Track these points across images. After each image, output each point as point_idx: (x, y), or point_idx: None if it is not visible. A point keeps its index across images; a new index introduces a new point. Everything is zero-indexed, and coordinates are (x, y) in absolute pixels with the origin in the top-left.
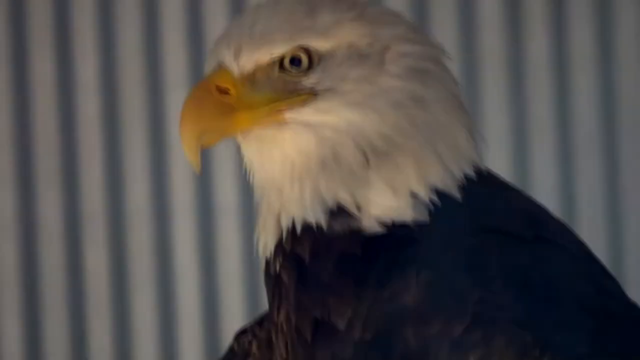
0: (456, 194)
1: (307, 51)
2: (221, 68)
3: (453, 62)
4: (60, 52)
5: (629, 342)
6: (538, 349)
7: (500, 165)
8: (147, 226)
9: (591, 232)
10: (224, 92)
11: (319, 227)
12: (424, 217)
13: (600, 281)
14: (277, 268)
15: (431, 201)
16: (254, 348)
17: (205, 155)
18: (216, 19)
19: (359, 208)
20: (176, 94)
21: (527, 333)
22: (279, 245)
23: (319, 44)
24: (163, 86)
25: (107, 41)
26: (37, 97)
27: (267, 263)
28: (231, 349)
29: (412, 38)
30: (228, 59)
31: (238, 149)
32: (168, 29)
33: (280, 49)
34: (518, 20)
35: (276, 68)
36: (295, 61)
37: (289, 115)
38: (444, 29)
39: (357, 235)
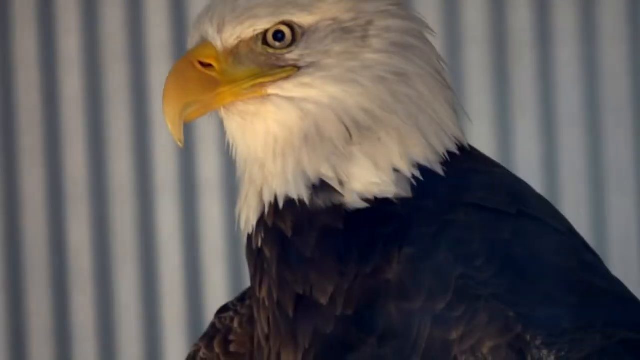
0: (439, 169)
1: (290, 26)
2: (204, 42)
3: (436, 37)
4: (44, 28)
5: (612, 317)
6: (520, 325)
7: (483, 141)
8: (130, 201)
9: (574, 207)
10: (207, 66)
11: (301, 202)
12: (406, 192)
13: (582, 257)
14: (259, 243)
15: (414, 176)
16: (236, 324)
17: (187, 130)
18: None
19: (341, 183)
20: (159, 69)
21: (510, 308)
22: (261, 220)
23: (302, 19)
24: (146, 61)
25: (90, 17)
26: (20, 73)
27: (249, 238)
28: (212, 326)
29: (396, 13)
30: (211, 33)
31: (221, 124)
32: (151, 4)
33: (263, 24)
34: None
35: (259, 42)
36: (278, 35)
37: (271, 89)
38: (427, 5)
39: (340, 210)
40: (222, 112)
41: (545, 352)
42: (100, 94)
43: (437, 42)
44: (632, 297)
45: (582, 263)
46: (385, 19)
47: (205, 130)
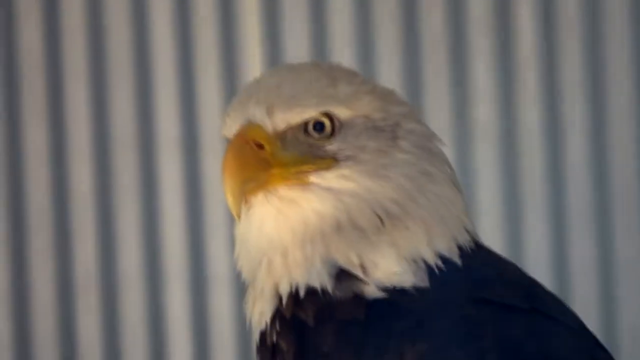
0: (458, 261)
1: (331, 117)
2: (253, 125)
3: (446, 145)
4: (53, 120)
5: None
6: None
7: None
8: (140, 293)
9: (584, 303)
10: (259, 147)
11: (324, 291)
12: (424, 282)
13: (595, 355)
14: (275, 337)
15: (435, 266)
16: None
17: (198, 224)
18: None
19: (364, 271)
20: (168, 162)
21: None
22: (277, 313)
23: (341, 112)
24: (155, 153)
25: (99, 107)
26: (30, 169)
27: (263, 334)
28: None
29: (416, 117)
30: (260, 116)
31: (230, 217)
32: (161, 95)
33: (310, 112)
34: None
35: (302, 131)
36: (317, 126)
37: (313, 178)
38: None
39: (361, 300)
40: (259, 197)
41: None
42: (109, 188)
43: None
44: None
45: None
46: (409, 123)
47: (215, 222)
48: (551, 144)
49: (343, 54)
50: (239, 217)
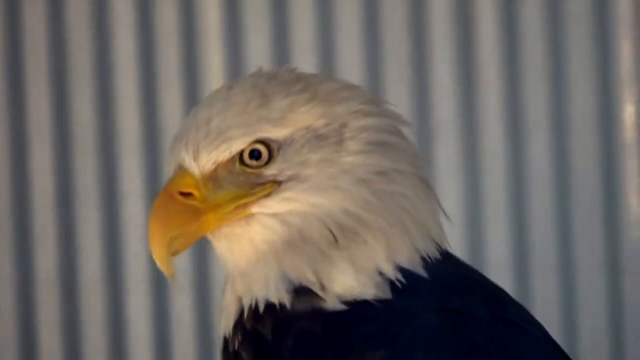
0: (420, 271)
1: (265, 142)
2: (182, 171)
3: (412, 130)
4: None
5: None
6: None
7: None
8: (102, 297)
9: (544, 307)
10: (187, 195)
11: (281, 306)
12: (385, 294)
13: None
14: (236, 346)
15: (395, 279)
16: None
17: None
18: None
19: (322, 287)
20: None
21: None
22: (239, 324)
23: (275, 133)
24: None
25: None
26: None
27: (226, 341)
28: None
29: (369, 111)
30: (187, 160)
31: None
32: (124, 118)
33: (238, 145)
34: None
35: (236, 163)
36: (254, 154)
37: (254, 208)
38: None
39: (319, 313)
40: (210, 236)
41: None
42: (71, 191)
43: (413, 134)
44: None
45: None
46: (359, 119)
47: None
48: (513, 143)
49: (306, 55)
50: (172, 277)
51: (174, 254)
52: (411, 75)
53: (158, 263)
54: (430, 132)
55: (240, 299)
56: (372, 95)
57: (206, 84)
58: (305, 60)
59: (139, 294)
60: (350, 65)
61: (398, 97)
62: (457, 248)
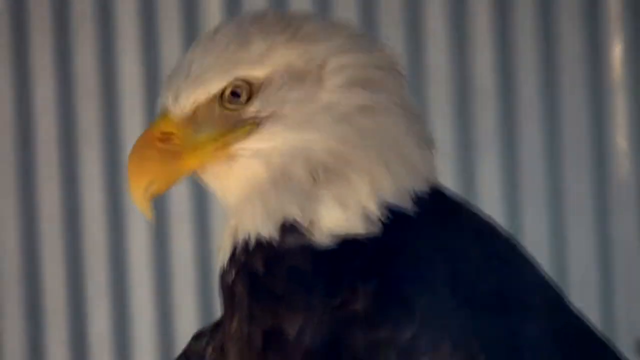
0: (407, 207)
1: (245, 82)
2: (164, 114)
3: (403, 67)
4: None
5: (572, 349)
6: (484, 355)
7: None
8: (104, 233)
9: (535, 241)
10: (168, 137)
11: (271, 242)
12: (374, 230)
13: (545, 292)
14: (231, 280)
15: (382, 215)
16: (209, 353)
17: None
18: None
19: (310, 223)
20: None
21: (472, 341)
22: (233, 259)
23: (254, 74)
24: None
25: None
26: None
27: (223, 275)
28: (187, 350)
29: (351, 48)
30: (169, 103)
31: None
32: (123, 52)
33: (216, 86)
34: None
35: (217, 104)
36: (235, 94)
37: (235, 148)
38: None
39: (308, 250)
40: (197, 175)
41: None
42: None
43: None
44: (594, 333)
45: (546, 299)
46: (339, 57)
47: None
48: (504, 81)
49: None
50: (152, 218)
51: (153, 195)
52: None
53: (137, 205)
54: (424, 77)
55: (234, 235)
56: (358, 33)
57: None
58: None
59: (141, 231)
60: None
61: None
62: (450, 182)
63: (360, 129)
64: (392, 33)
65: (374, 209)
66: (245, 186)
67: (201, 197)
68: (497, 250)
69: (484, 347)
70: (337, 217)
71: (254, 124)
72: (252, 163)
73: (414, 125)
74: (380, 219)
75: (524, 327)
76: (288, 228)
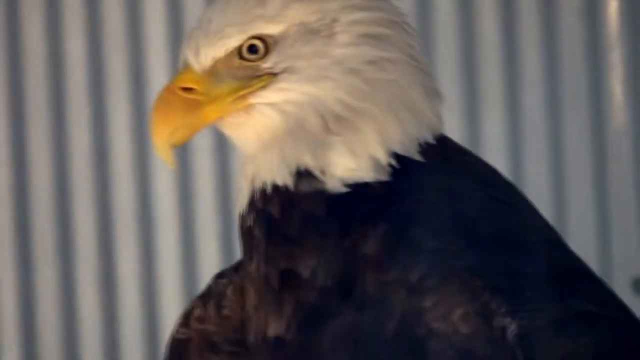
0: (414, 156)
1: (262, 38)
2: (186, 68)
3: (411, 24)
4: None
5: (571, 289)
6: (487, 294)
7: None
8: (131, 184)
9: (536, 191)
10: (190, 90)
11: (286, 188)
12: (384, 176)
13: (545, 234)
14: (250, 224)
15: (390, 162)
16: (229, 291)
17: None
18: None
19: (323, 171)
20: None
21: (477, 279)
22: (252, 204)
23: (270, 29)
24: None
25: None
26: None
27: (242, 219)
28: (209, 289)
29: (362, 5)
30: (190, 58)
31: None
32: (151, 21)
33: (233, 42)
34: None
35: (235, 58)
36: (253, 49)
37: (253, 99)
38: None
39: (322, 195)
40: (218, 125)
41: (508, 319)
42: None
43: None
44: (590, 273)
45: (545, 240)
46: (350, 14)
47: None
48: (507, 36)
49: None
50: (174, 166)
51: (175, 144)
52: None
53: (159, 154)
54: (431, 33)
55: (251, 181)
56: None
57: None
58: None
59: (166, 178)
60: None
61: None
62: (455, 134)
63: (370, 81)
64: None
65: (383, 157)
66: (262, 135)
67: (222, 146)
68: (499, 195)
69: (488, 284)
70: (348, 164)
71: (270, 77)
72: (269, 113)
73: (421, 78)
74: (389, 166)
75: (525, 265)
76: (302, 175)
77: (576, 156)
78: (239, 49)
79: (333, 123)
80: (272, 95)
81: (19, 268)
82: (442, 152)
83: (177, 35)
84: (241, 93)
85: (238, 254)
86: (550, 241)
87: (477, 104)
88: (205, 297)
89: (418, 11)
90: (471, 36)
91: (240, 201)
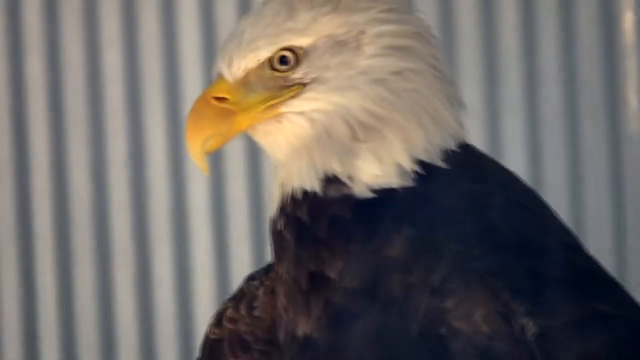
0: (437, 163)
1: (291, 49)
2: (219, 78)
3: (434, 36)
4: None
5: (589, 291)
6: (507, 294)
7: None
8: (166, 189)
9: (554, 196)
10: (222, 99)
11: (315, 194)
12: (408, 182)
13: (563, 238)
14: (280, 227)
15: (414, 169)
16: (260, 293)
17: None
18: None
19: (350, 177)
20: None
21: (498, 280)
22: (282, 209)
23: (299, 42)
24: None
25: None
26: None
27: (273, 223)
28: (241, 290)
29: (387, 19)
30: (223, 69)
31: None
32: (184, 26)
33: (264, 54)
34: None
35: (267, 69)
36: (283, 60)
37: (283, 108)
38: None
39: (349, 200)
40: (251, 134)
41: (528, 319)
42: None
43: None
44: (607, 275)
45: (563, 244)
46: (376, 27)
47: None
48: (526, 38)
49: None
50: (207, 173)
51: (209, 152)
52: None
53: (194, 160)
54: (453, 44)
55: (282, 187)
56: (395, 3)
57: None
58: None
59: (200, 185)
60: None
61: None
62: (477, 141)
63: (395, 91)
64: (425, 5)
65: (408, 163)
66: (292, 143)
67: (254, 153)
68: (519, 200)
69: (508, 285)
70: (374, 170)
71: (300, 87)
72: (298, 121)
73: (444, 87)
74: (413, 172)
75: (544, 267)
76: (330, 180)
77: (593, 161)
78: (270, 60)
79: (360, 131)
80: (301, 104)
81: (59, 271)
82: (464, 159)
83: (210, 47)
84: (272, 102)
85: (269, 256)
86: (569, 244)
87: (498, 111)
88: (237, 298)
89: (441, 23)
90: (492, 47)
91: (272, 205)
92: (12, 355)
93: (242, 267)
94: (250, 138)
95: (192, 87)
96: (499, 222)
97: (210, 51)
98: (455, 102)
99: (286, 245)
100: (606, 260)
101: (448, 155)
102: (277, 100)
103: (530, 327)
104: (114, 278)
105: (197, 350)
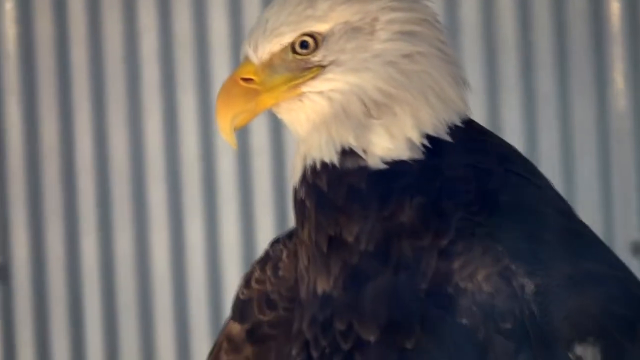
0: (444, 137)
1: (311, 35)
2: (245, 61)
3: (440, 21)
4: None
5: (581, 252)
6: (507, 257)
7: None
8: (197, 166)
9: (549, 167)
10: (249, 80)
11: (333, 165)
12: (418, 155)
13: (558, 205)
14: (302, 196)
15: (423, 143)
16: (284, 255)
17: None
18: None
19: (364, 150)
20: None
21: (499, 244)
22: (303, 179)
23: (319, 28)
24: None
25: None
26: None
27: (295, 192)
28: (266, 254)
29: (397, 7)
30: (250, 53)
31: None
32: (214, 16)
33: (287, 39)
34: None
35: (289, 53)
36: (304, 44)
37: (304, 88)
38: None
39: (364, 171)
40: (275, 111)
41: (526, 279)
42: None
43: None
44: (596, 238)
45: (558, 210)
46: (388, 14)
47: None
48: (522, 28)
49: None
50: (235, 145)
51: (237, 128)
52: None
53: (223, 135)
54: (457, 28)
55: (303, 159)
56: None
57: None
58: None
59: (228, 160)
60: None
61: None
62: (478, 117)
63: (405, 72)
64: None
65: (417, 138)
66: (312, 119)
67: (277, 128)
68: (518, 170)
69: (508, 248)
70: (386, 144)
71: (319, 69)
72: (318, 100)
73: (449, 68)
74: (422, 146)
75: (540, 231)
76: (347, 153)
77: (583, 135)
78: (292, 45)
79: (373, 108)
80: (320, 84)
81: (100, 235)
82: (468, 133)
83: (237, 34)
84: (294, 83)
85: (291, 222)
86: (563, 210)
87: (497, 90)
88: (263, 261)
89: (446, 9)
90: (492, 33)
91: (294, 176)
92: (58, 319)
93: (267, 232)
94: (274, 115)
95: (221, 70)
96: (500, 191)
97: (237, 38)
98: (460, 81)
99: (307, 212)
100: (594, 223)
101: (453, 130)
102: (298, 81)
103: (529, 286)
104: (151, 243)
105: (227, 311)
